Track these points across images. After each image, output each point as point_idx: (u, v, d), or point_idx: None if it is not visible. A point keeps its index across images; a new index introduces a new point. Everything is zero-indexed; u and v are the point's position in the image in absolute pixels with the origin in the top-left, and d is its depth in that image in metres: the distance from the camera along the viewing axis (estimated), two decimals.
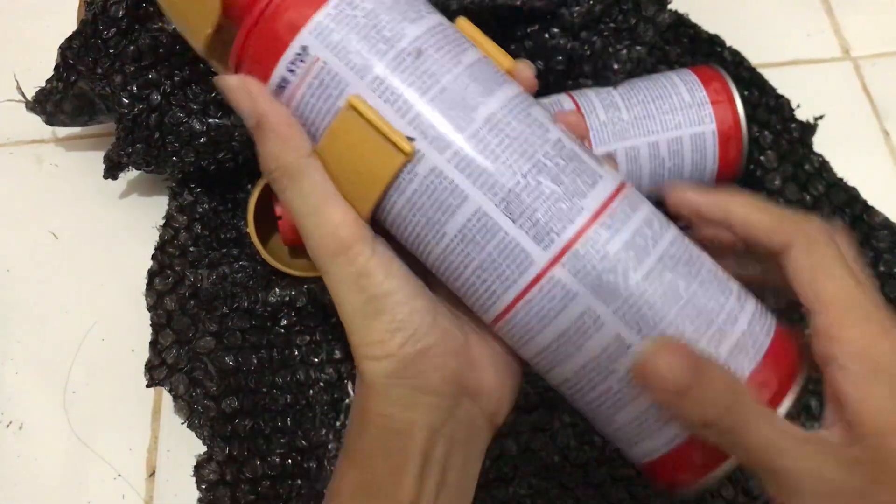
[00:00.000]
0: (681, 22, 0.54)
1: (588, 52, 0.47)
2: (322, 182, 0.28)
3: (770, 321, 0.28)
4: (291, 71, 0.28)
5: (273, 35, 0.28)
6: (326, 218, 0.28)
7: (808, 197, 0.48)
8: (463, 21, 0.31)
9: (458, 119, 0.27)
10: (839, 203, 0.48)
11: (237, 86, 0.28)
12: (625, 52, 0.47)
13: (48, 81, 0.47)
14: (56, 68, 0.47)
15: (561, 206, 0.26)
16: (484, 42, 0.30)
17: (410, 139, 0.27)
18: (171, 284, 0.46)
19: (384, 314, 0.28)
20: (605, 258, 0.26)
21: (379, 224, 0.29)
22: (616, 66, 0.47)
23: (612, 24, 0.47)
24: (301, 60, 0.27)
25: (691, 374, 0.25)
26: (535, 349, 0.28)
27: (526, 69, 0.30)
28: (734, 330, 0.27)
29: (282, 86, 0.28)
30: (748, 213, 0.28)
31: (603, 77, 0.47)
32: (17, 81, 0.48)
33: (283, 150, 0.28)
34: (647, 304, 0.26)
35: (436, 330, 0.28)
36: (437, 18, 0.29)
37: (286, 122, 0.28)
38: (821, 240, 0.27)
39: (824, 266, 0.27)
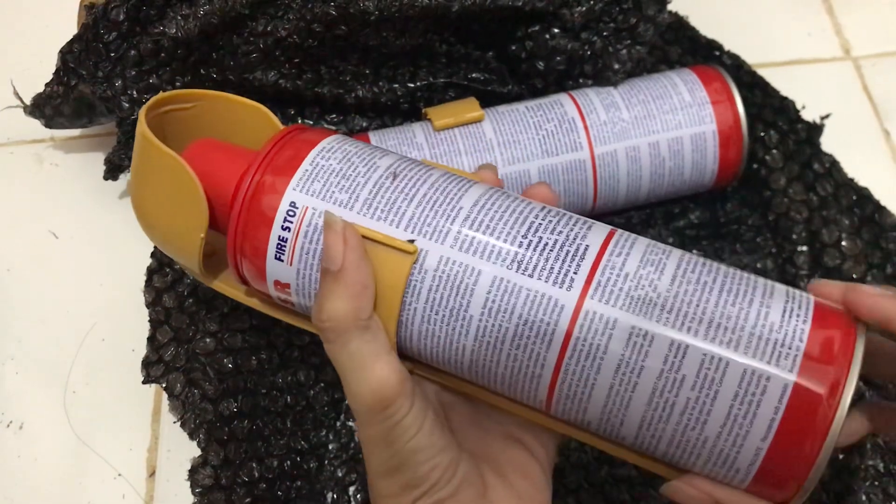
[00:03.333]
0: (680, 24, 0.54)
1: (588, 52, 0.47)
2: (373, 341, 0.28)
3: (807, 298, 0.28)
4: (286, 228, 0.30)
5: (261, 207, 0.31)
6: (370, 375, 0.27)
7: (814, 197, 0.48)
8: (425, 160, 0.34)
9: (447, 211, 0.29)
10: (848, 204, 0.48)
11: (338, 228, 0.28)
12: (625, 51, 0.47)
13: (47, 85, 0.47)
14: (56, 72, 0.47)
15: (568, 250, 0.28)
16: (444, 165, 0.33)
17: (411, 241, 0.29)
18: (169, 282, 0.46)
19: (406, 470, 0.28)
20: (628, 277, 0.27)
21: (405, 353, 0.30)
22: (616, 66, 0.47)
23: (612, 24, 0.47)
24: (292, 214, 0.30)
25: None
26: (600, 398, 0.27)
27: (488, 172, 0.33)
28: (776, 301, 0.27)
29: (281, 247, 0.30)
30: None
31: (603, 77, 0.47)
32: (14, 87, 0.48)
33: (348, 309, 0.27)
34: (685, 303, 0.27)
35: (454, 481, 0.28)
36: (399, 155, 0.32)
37: (363, 284, 0.28)
38: None
39: None
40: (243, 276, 0.33)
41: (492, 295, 0.28)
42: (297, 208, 0.30)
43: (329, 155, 0.31)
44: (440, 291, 0.28)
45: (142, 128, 0.33)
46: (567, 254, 0.28)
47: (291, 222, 0.30)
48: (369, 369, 0.27)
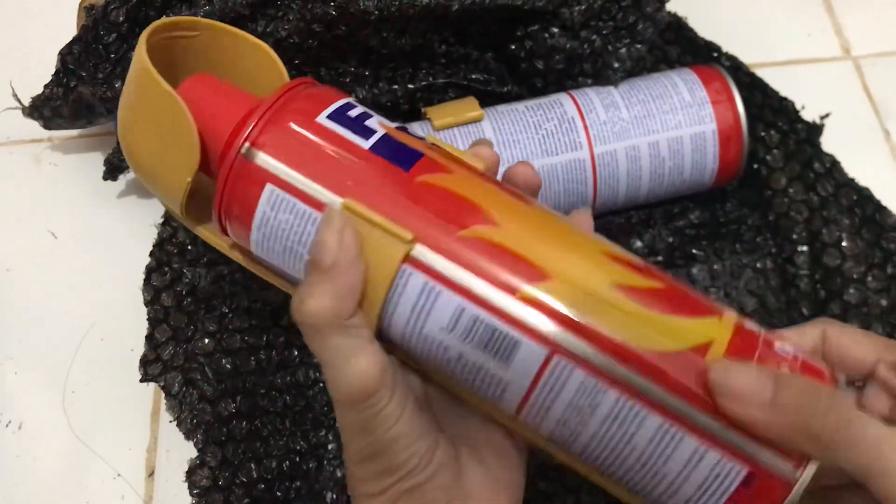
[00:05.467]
0: (679, 25, 0.53)
1: (588, 51, 0.47)
2: (354, 336, 0.27)
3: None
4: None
5: (256, 163, 0.29)
6: (351, 368, 0.27)
7: (815, 197, 0.48)
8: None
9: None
10: (849, 203, 0.48)
11: (338, 224, 0.27)
12: (624, 50, 0.47)
13: (46, 87, 0.47)
14: (56, 74, 0.46)
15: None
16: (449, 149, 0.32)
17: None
18: (168, 281, 0.46)
19: (383, 458, 0.28)
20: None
21: (387, 337, 0.29)
22: (616, 65, 0.47)
23: (611, 23, 0.47)
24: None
25: (774, 382, 0.25)
26: (554, 420, 0.28)
27: (484, 149, 0.32)
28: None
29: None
30: None
31: (603, 76, 0.47)
32: (13, 89, 0.48)
33: (332, 308, 0.27)
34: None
35: (431, 466, 0.28)
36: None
37: (352, 286, 0.27)
38: None
39: None
40: (226, 230, 0.31)
41: (461, 321, 0.27)
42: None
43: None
44: (425, 294, 0.28)
45: (141, 56, 0.31)
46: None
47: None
48: (350, 363, 0.27)
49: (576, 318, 0.27)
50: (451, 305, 0.27)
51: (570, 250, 0.28)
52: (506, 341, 0.27)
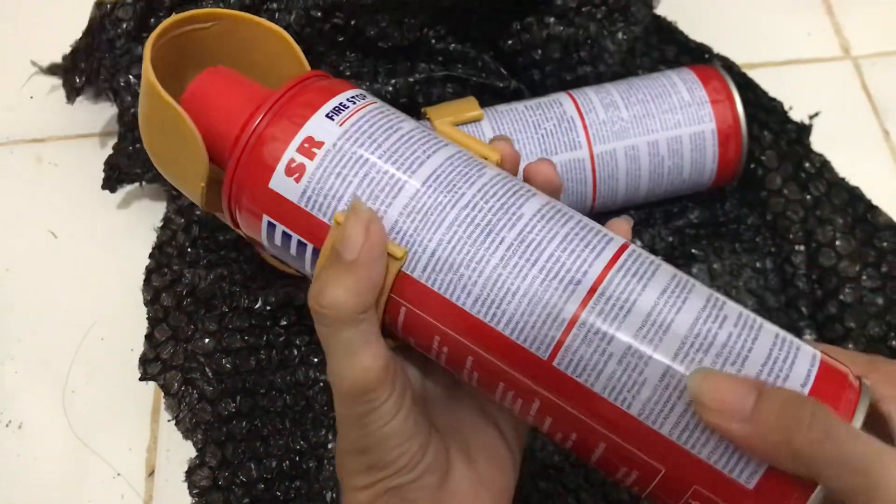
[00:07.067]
0: (670, 29, 0.54)
1: (584, 37, 0.47)
2: (365, 331, 0.27)
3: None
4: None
5: (263, 157, 0.29)
6: (356, 362, 0.27)
7: (808, 197, 0.48)
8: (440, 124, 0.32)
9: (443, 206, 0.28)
10: (841, 203, 0.48)
11: (364, 216, 0.27)
12: (620, 34, 0.47)
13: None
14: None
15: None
16: (461, 137, 0.31)
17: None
18: (168, 281, 0.46)
19: (374, 453, 0.28)
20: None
21: (388, 328, 0.30)
22: (612, 48, 0.47)
23: (604, 7, 0.47)
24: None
25: (755, 393, 0.24)
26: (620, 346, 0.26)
27: (504, 144, 0.31)
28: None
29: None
30: None
31: (601, 60, 0.47)
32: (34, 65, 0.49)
33: (350, 302, 0.27)
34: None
35: (420, 466, 0.28)
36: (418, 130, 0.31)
37: (373, 282, 0.27)
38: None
39: None
40: (237, 223, 0.32)
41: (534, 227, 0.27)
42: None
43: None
44: (439, 266, 0.27)
45: (146, 71, 0.31)
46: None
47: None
48: (357, 357, 0.27)
49: None
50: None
51: None
52: None
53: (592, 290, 0.26)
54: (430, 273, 0.28)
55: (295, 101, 0.30)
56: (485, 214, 0.28)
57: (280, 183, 0.29)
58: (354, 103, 0.30)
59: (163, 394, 0.44)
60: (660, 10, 0.54)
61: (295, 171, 0.29)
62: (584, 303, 0.26)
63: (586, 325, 0.26)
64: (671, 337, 0.26)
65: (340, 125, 0.29)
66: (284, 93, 0.30)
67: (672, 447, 0.26)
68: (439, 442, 0.30)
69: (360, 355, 0.27)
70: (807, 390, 0.25)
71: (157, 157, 0.34)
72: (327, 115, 0.30)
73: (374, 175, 0.28)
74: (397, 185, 0.28)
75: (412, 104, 0.49)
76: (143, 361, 0.44)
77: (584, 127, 0.45)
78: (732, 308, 0.27)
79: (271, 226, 0.30)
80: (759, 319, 0.27)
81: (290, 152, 0.29)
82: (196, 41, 0.34)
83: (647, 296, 0.26)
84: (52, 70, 0.49)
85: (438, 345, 0.29)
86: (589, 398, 0.26)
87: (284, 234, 0.30)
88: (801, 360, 0.26)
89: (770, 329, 0.27)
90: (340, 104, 0.30)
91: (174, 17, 0.33)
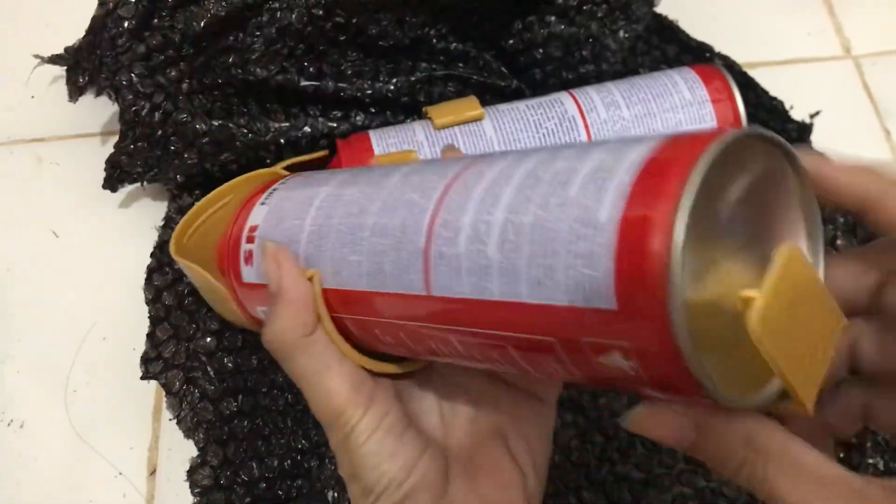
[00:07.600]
0: (671, 28, 0.54)
1: (585, 36, 0.47)
2: (319, 354, 0.29)
3: None
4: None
5: (237, 254, 0.36)
6: (319, 388, 0.28)
7: None
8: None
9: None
10: None
11: (271, 252, 0.30)
12: (621, 32, 0.47)
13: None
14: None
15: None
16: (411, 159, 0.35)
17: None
18: (169, 280, 0.46)
19: (360, 476, 0.28)
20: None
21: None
22: (614, 47, 0.47)
23: (605, 5, 0.47)
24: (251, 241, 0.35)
25: (692, 429, 0.23)
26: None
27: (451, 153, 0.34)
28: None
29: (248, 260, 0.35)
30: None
31: (602, 59, 0.47)
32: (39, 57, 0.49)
33: (289, 327, 0.28)
34: None
35: (405, 486, 0.28)
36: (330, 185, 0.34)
37: (302, 301, 0.29)
38: None
39: None
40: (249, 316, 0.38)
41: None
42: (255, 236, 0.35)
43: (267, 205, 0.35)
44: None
45: (180, 261, 0.40)
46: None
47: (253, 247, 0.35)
48: (318, 383, 0.28)
49: None
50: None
51: None
52: None
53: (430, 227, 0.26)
54: (334, 277, 0.29)
55: (250, 203, 0.37)
56: (341, 210, 0.31)
57: (247, 275, 0.35)
58: (284, 183, 0.36)
59: (164, 393, 0.44)
60: (660, 9, 0.54)
61: (248, 259, 0.34)
62: (429, 237, 0.26)
63: (436, 249, 0.26)
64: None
65: (267, 205, 0.35)
66: (248, 200, 0.38)
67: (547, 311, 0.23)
68: (434, 459, 0.29)
69: (323, 380, 0.28)
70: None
71: (211, 303, 0.44)
72: (261, 203, 0.35)
73: (287, 226, 0.32)
74: (302, 226, 0.32)
75: (413, 103, 0.49)
76: (145, 360, 0.44)
77: (586, 126, 0.45)
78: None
79: (264, 313, 0.34)
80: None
81: (244, 246, 0.34)
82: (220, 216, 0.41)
83: (474, 200, 0.25)
84: (54, 60, 0.48)
85: (387, 336, 0.29)
86: (469, 307, 0.25)
87: (265, 312, 0.34)
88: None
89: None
90: (273, 189, 0.35)
91: (186, 218, 0.41)
